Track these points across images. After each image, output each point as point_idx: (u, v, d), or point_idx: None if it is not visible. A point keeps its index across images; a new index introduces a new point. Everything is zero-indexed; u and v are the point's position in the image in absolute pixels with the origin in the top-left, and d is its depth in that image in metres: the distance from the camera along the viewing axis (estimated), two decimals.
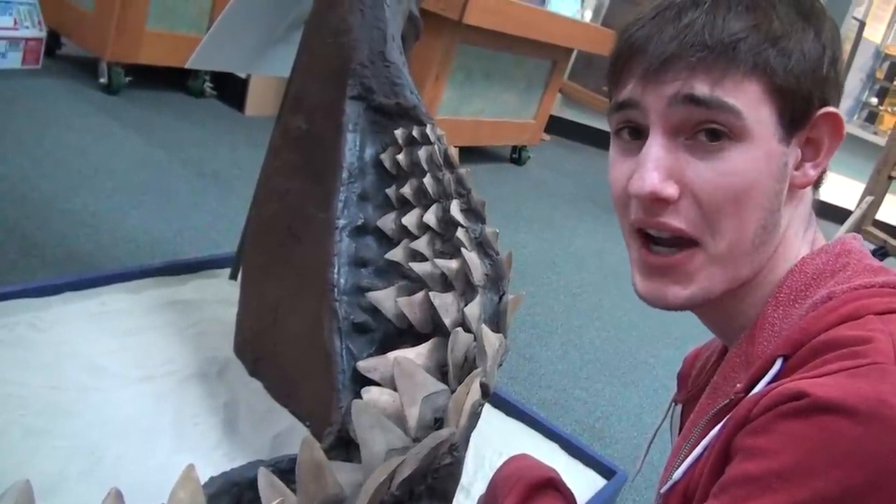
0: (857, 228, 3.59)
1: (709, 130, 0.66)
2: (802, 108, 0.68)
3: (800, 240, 0.74)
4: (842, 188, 5.03)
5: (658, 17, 0.69)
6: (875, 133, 6.30)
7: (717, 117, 0.66)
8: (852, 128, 6.04)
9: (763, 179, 0.67)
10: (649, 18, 0.69)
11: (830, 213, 4.98)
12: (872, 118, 7.30)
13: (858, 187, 3.91)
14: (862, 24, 6.54)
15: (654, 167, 0.67)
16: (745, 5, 0.67)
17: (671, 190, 0.67)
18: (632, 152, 0.71)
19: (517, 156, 4.46)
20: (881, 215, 3.92)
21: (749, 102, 0.66)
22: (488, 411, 1.60)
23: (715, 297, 0.71)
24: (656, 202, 0.68)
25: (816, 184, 0.75)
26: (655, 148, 0.68)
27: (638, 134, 0.71)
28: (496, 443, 1.48)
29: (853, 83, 6.63)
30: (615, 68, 0.73)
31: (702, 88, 0.65)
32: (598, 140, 5.34)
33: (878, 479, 0.51)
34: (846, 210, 4.19)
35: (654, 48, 0.68)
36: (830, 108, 0.70)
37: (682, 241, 0.70)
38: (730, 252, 0.69)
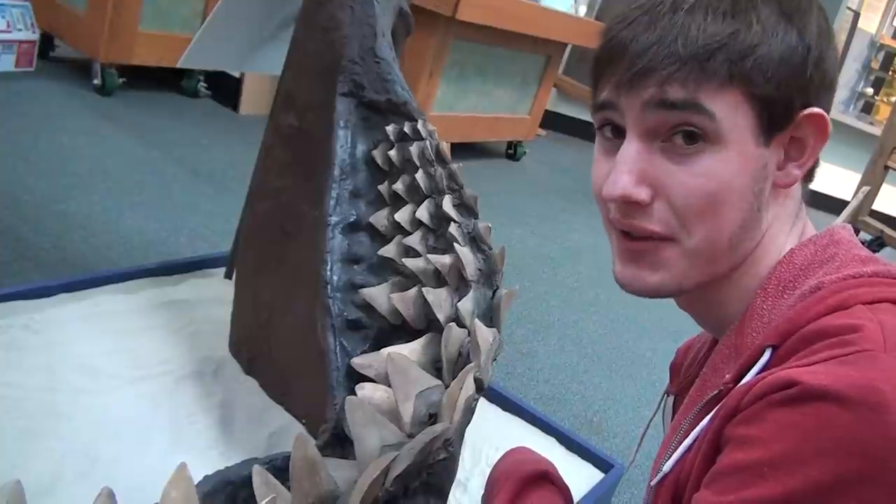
0: (854, 219, 3.60)
1: (685, 133, 0.66)
2: (782, 112, 0.67)
3: (786, 234, 0.74)
4: (838, 178, 5.04)
5: (635, 22, 0.68)
6: (871, 123, 6.27)
7: (691, 119, 0.65)
8: (848, 118, 6.02)
9: (738, 182, 0.67)
10: (628, 22, 0.68)
11: (827, 204, 4.99)
12: (868, 108, 7.29)
13: (855, 177, 3.92)
14: (856, 15, 6.54)
15: (627, 170, 0.68)
16: (724, 10, 0.65)
17: (643, 194, 0.68)
18: (612, 152, 0.71)
19: (512, 151, 4.46)
20: (878, 205, 3.93)
21: (725, 108, 0.65)
22: (485, 406, 1.60)
23: (690, 289, 0.72)
24: (629, 205, 0.69)
25: (808, 177, 0.74)
26: (630, 151, 0.68)
27: (619, 132, 0.71)
28: (493, 438, 1.48)
29: (848, 74, 6.62)
30: (596, 71, 0.73)
31: (675, 94, 0.65)
32: (593, 135, 5.28)
33: (870, 465, 0.50)
34: (843, 200, 4.19)
35: (629, 57, 0.67)
36: (814, 109, 0.68)
37: (656, 239, 0.70)
38: (706, 249, 0.69)
